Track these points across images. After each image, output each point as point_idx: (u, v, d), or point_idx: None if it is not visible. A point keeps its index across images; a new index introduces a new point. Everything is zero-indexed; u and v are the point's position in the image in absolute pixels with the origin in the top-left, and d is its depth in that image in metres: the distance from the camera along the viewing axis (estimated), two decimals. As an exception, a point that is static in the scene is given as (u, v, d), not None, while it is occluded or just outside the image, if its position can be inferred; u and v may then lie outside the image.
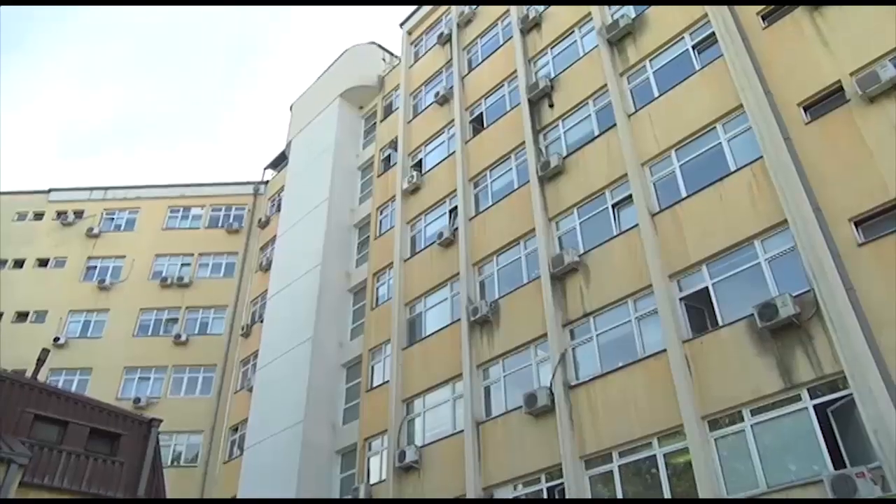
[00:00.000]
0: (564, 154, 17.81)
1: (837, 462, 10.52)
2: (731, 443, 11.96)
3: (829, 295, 11.21)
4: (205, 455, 27.21)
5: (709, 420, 12.24)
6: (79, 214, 34.55)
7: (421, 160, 23.59)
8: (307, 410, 21.25)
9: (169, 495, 13.12)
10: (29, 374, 15.39)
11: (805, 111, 13.24)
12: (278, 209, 30.55)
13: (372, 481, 18.75)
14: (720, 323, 12.83)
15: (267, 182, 34.40)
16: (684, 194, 14.60)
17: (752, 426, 11.67)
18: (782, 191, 12.58)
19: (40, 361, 14.73)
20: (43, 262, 33.20)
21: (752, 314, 11.95)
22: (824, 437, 10.79)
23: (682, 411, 12.45)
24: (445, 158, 22.26)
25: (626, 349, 14.26)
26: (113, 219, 34.88)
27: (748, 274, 12.86)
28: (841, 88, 12.86)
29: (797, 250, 12.08)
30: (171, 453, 26.81)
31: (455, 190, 20.90)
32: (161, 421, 13.28)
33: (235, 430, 26.16)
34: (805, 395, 11.22)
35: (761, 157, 13.34)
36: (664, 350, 13.31)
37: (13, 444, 10.80)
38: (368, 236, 24.54)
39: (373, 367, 21.10)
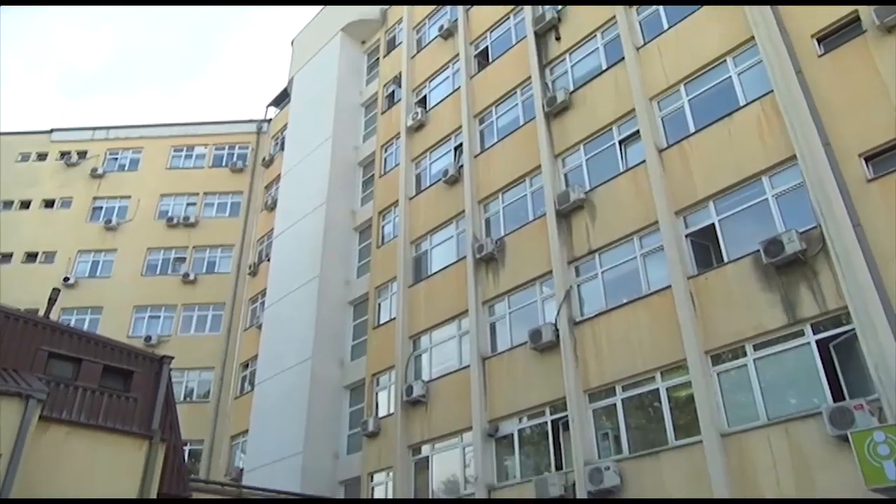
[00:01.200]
0: (571, 89, 17.50)
1: (837, 395, 10.70)
2: (733, 377, 12.15)
3: (835, 231, 11.18)
4: (216, 391, 27.83)
5: (711, 355, 12.41)
6: (82, 155, 34.43)
7: (425, 96, 23.25)
8: (315, 347, 21.61)
9: (183, 429, 13.46)
10: (41, 313, 15.62)
11: (819, 43, 12.90)
12: (282, 147, 30.33)
13: (380, 415, 19.21)
14: (725, 259, 12.86)
15: (269, 120, 34.06)
16: (692, 129, 14.40)
17: (754, 361, 11.84)
18: (792, 125, 12.39)
19: (51, 301, 14.91)
20: (49, 203, 33.29)
21: (758, 250, 11.96)
22: (825, 370, 10.95)
23: (685, 346, 12.62)
24: (450, 94, 21.92)
25: (631, 286, 14.36)
26: (116, 159, 34.74)
27: (755, 210, 12.80)
28: (857, 19, 12.49)
29: (805, 186, 11.99)
30: (183, 389, 27.44)
31: (460, 127, 20.66)
32: (172, 358, 13.49)
33: (246, 366, 26.68)
34: (808, 330, 11.33)
35: (772, 91, 13.09)
36: (669, 286, 13.40)
37: (30, 381, 11.05)
38: (373, 174, 24.41)
39: (379, 305, 21.33)
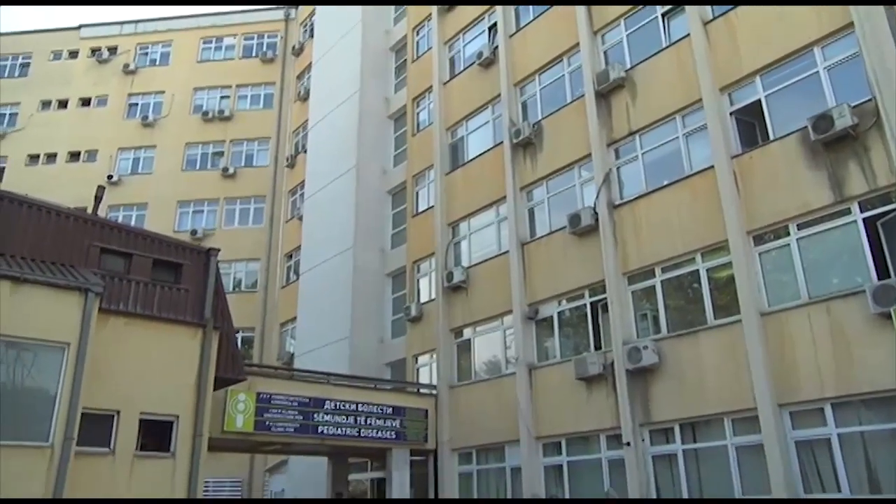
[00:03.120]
0: (611, -41, 16.47)
1: (882, 273, 10.56)
2: (775, 257, 12.05)
3: (891, 103, 10.62)
4: (263, 280, 28.80)
5: (754, 235, 12.27)
6: (113, 51, 34.21)
7: (456, -27, 22.15)
8: (356, 237, 21.98)
9: (234, 318, 14.02)
10: (89, 211, 16.04)
11: None
12: (311, 35, 29.62)
13: (422, 300, 19.70)
14: (771, 137, 12.43)
15: (297, 5, 33.11)
16: (741, -2, 13.54)
17: (797, 240, 11.67)
18: (850, -11, 11.55)
19: (98, 198, 15.24)
20: (85, 102, 33.52)
21: (806, 127, 11.51)
22: (871, 249, 10.75)
23: (727, 227, 12.48)
24: (482, -30, 20.84)
25: (673, 167, 14.06)
26: (147, 53, 34.48)
27: (804, 84, 12.18)
28: None
29: (861, 56, 11.30)
30: (231, 280, 28.43)
31: (493, 4, 19.77)
32: (219, 250, 13.83)
33: (290, 256, 27.39)
34: (855, 208, 11.04)
35: (830, -49, 12.13)
36: (712, 166, 13.09)
37: (87, 275, 11.53)
38: (406, 59, 23.79)
39: (417, 193, 21.39)
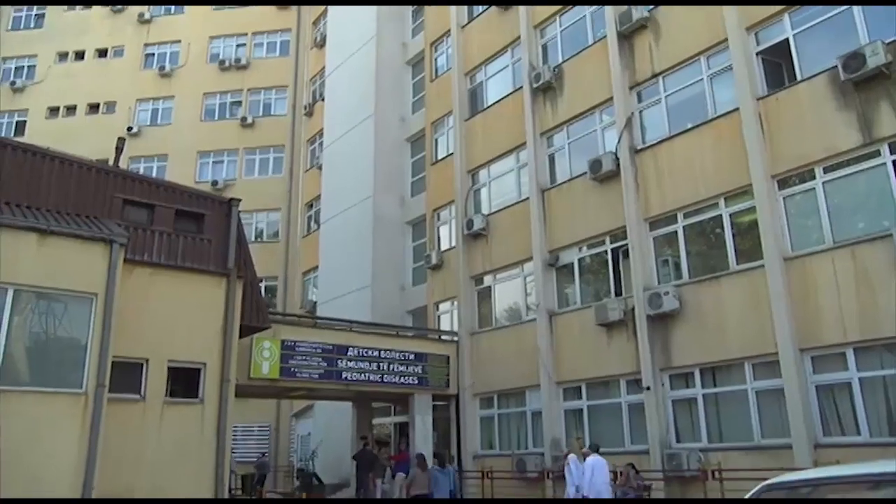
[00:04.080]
0: None
1: (911, 215, 10.36)
2: (800, 201, 11.86)
3: (925, 39, 10.25)
4: (284, 230, 28.98)
5: (778, 179, 12.05)
6: (127, -1, 33.88)
7: (474, -89, 21.47)
8: (375, 185, 21.95)
9: (256, 267, 14.14)
10: (110, 163, 16.12)
11: None
12: (326, -21, 29.05)
13: (443, 248, 19.75)
14: (799, 77, 12.08)
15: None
16: (770, -69, 12.99)
17: (823, 184, 11.45)
18: (886, -81, 11.03)
19: (118, 150, 15.27)
20: (102, 53, 33.37)
21: (836, 66, 11.15)
22: (900, 191, 10.54)
23: (751, 171, 12.27)
24: None
25: (696, 110, 13.76)
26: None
27: (835, 22, 11.76)
28: None
29: (895, -10, 10.87)
30: (253, 230, 28.66)
31: (512, -56, 19.17)
32: (240, 200, 13.87)
33: (310, 206, 27.49)
34: (885, 150, 10.76)
35: None
36: (736, 109, 12.79)
37: (111, 227, 11.66)
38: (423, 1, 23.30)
39: (436, 140, 21.20)
